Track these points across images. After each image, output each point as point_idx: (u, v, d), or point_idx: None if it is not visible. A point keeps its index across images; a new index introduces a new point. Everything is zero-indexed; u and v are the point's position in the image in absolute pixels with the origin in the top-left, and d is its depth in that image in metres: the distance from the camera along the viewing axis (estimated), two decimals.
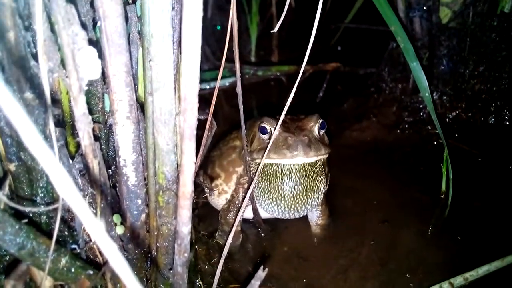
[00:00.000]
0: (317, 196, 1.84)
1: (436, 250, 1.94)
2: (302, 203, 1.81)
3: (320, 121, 1.83)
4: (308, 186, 1.80)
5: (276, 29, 1.29)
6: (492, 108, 2.89)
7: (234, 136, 2.17)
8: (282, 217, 1.89)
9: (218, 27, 4.35)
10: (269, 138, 1.76)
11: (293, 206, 1.81)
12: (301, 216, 1.90)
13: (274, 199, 1.81)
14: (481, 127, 2.89)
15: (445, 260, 1.88)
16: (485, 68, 2.88)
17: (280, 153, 1.70)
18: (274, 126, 1.76)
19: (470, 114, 2.95)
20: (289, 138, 1.71)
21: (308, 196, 1.81)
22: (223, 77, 3.55)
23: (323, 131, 1.86)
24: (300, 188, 1.78)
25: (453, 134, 2.87)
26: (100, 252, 1.27)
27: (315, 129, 1.81)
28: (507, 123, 2.86)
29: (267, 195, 1.82)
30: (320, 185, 1.85)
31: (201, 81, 3.13)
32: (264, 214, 1.99)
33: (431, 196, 2.30)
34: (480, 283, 1.70)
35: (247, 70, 3.82)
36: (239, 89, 1.60)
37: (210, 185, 2.09)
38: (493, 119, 2.89)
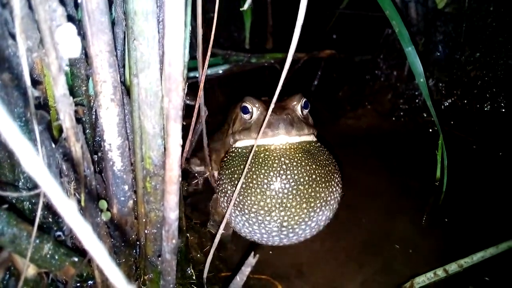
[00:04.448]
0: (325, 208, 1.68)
1: (430, 237, 1.93)
2: (300, 216, 1.62)
3: (303, 100, 1.78)
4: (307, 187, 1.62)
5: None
6: (488, 95, 2.86)
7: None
8: (270, 243, 1.74)
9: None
10: (251, 118, 1.74)
11: (286, 220, 1.61)
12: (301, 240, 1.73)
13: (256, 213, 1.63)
14: (476, 114, 2.87)
15: (440, 247, 1.87)
16: (481, 54, 2.84)
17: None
18: (256, 105, 1.74)
19: (465, 101, 2.92)
20: (270, 117, 1.67)
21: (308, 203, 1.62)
22: (216, 64, 3.49)
23: (307, 110, 1.81)
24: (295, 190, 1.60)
25: (449, 121, 2.85)
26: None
27: (298, 108, 1.77)
28: (503, 110, 2.83)
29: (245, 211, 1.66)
30: (330, 189, 1.69)
31: (194, 69, 3.11)
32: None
33: (426, 183, 2.29)
34: (475, 269, 1.69)
35: (240, 57, 3.74)
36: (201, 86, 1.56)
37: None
38: (489, 106, 2.87)
